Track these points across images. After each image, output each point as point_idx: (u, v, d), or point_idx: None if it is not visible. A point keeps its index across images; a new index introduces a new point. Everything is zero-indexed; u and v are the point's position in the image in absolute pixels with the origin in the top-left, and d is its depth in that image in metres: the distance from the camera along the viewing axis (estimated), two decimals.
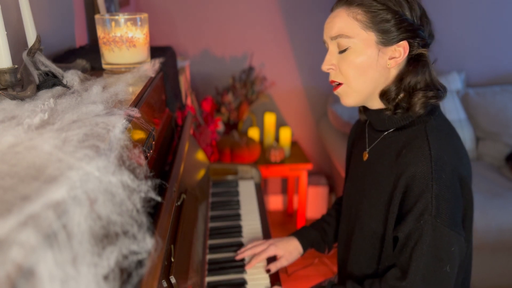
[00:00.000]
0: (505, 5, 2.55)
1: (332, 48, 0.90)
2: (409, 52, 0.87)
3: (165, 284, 0.74)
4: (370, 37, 0.86)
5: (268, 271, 1.07)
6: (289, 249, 1.12)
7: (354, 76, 0.88)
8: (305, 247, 1.15)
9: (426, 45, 0.89)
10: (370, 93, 0.91)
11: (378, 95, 0.91)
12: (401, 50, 0.87)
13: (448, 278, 0.82)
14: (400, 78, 0.89)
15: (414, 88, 0.88)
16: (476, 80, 2.66)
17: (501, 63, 2.67)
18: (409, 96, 0.88)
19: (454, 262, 0.82)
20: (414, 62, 0.88)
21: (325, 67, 0.92)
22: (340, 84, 0.91)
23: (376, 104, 0.93)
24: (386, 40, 0.86)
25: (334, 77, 0.92)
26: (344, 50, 0.88)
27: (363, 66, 0.87)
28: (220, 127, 2.47)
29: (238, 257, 1.11)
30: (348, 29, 0.86)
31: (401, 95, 0.89)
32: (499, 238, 1.87)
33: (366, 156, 0.98)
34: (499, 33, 2.61)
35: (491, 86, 2.53)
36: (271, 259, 1.11)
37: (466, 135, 2.38)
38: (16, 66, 0.73)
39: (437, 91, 0.88)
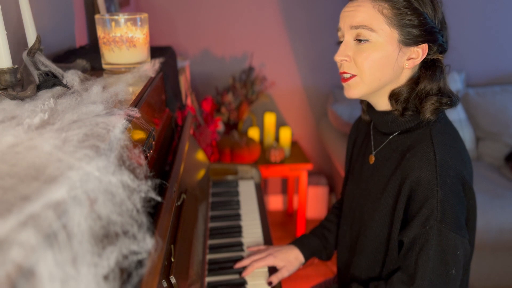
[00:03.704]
0: (505, 5, 2.56)
1: (348, 38, 0.88)
2: (426, 55, 0.86)
3: (165, 284, 0.74)
4: (393, 34, 0.84)
5: (270, 283, 1.04)
6: (289, 259, 1.10)
7: (369, 70, 0.86)
8: (306, 256, 1.12)
9: (443, 51, 0.88)
10: (378, 89, 0.89)
11: (386, 95, 0.90)
12: (419, 51, 0.86)
13: (454, 280, 0.82)
14: (414, 81, 0.88)
15: (427, 93, 0.86)
16: (476, 80, 2.67)
17: (501, 63, 2.67)
18: (420, 100, 0.87)
19: (459, 265, 0.82)
20: (432, 67, 0.87)
21: (338, 57, 0.89)
22: (352, 76, 0.89)
23: (383, 104, 0.92)
24: (408, 40, 0.84)
25: (348, 68, 0.89)
26: (363, 41, 0.85)
27: (380, 62, 0.85)
28: (220, 127, 2.47)
29: (237, 266, 1.08)
30: (372, 21, 0.84)
31: (411, 98, 0.87)
32: (499, 238, 1.87)
33: (372, 159, 0.97)
34: (499, 33, 2.61)
35: (491, 86, 2.53)
36: (272, 271, 1.08)
37: (466, 135, 2.38)
38: (16, 66, 0.73)
39: (450, 98, 0.87)
